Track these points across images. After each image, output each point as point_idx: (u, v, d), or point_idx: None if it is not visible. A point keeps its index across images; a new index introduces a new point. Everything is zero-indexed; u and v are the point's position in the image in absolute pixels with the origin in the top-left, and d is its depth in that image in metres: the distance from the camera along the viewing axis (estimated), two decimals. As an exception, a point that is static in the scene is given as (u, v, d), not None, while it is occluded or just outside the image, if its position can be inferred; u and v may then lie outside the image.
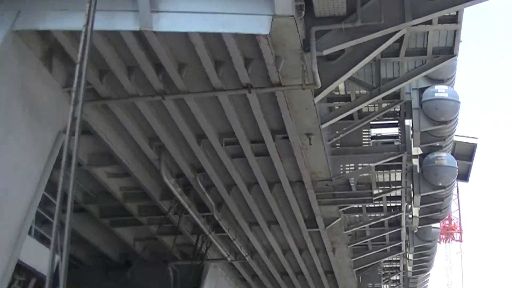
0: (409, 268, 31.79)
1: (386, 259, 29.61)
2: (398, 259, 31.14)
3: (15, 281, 15.29)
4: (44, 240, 15.95)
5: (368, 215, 24.17)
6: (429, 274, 37.80)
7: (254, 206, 20.33)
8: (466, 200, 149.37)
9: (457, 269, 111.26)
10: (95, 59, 12.73)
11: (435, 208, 24.42)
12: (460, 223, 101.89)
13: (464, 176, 24.83)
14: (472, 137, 24.28)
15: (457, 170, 21.63)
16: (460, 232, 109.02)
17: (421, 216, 24.75)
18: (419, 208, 23.66)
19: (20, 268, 14.83)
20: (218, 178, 18.40)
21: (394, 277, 33.74)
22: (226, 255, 23.84)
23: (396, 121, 20.75)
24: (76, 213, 18.03)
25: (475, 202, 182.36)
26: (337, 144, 20.24)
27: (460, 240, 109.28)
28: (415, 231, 26.97)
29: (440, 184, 21.44)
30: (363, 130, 20.26)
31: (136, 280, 24.06)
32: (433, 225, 27.48)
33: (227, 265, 26.41)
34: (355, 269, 28.12)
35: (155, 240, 22.89)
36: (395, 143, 21.22)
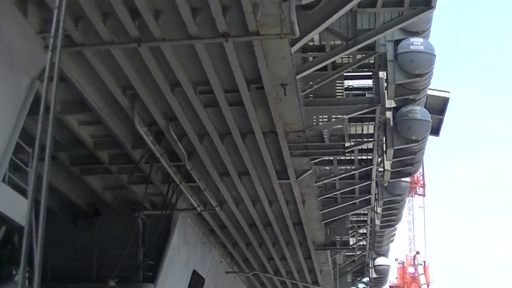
0: (377, 222, 31.97)
1: (354, 212, 29.72)
2: (366, 212, 31.28)
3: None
4: (16, 187, 15.75)
5: (339, 167, 24.16)
6: (396, 228, 38.11)
7: (226, 156, 20.23)
8: (429, 154, 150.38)
9: (419, 224, 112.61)
10: (71, 4, 12.43)
11: (407, 162, 24.48)
12: (423, 177, 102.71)
13: (435, 130, 24.88)
14: (444, 91, 24.29)
15: (430, 124, 21.64)
16: (423, 186, 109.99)
17: (393, 170, 24.80)
18: (391, 162, 23.68)
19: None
20: (191, 127, 18.26)
21: (361, 230, 33.93)
22: (196, 205, 23.78)
23: (370, 73, 20.67)
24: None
25: (439, 157, 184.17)
26: (310, 95, 20.14)
27: (423, 195, 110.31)
28: (385, 185, 27.05)
29: (413, 137, 21.47)
30: (337, 81, 20.16)
31: (105, 229, 23.94)
32: (402, 179, 27.57)
33: (196, 216, 26.37)
34: (323, 222, 28.22)
35: (125, 189, 22.76)
36: (366, 95, 21.17)
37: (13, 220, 15.36)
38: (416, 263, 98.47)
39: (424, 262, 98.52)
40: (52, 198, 23.29)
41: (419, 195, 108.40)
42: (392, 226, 35.32)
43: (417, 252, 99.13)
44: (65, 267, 22.52)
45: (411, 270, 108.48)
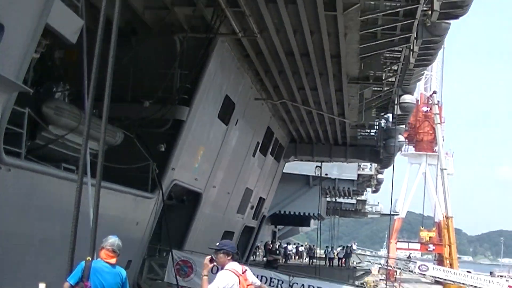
0: (412, 60, 31.42)
1: (390, 49, 29.23)
2: (400, 49, 30.76)
3: (41, 44, 14.86)
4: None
5: (385, 3, 23.54)
6: (425, 69, 37.57)
7: (276, -19, 19.64)
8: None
9: (437, 64, 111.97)
10: None
11: (457, 4, 23.73)
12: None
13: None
14: None
15: (486, -35, 20.77)
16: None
17: (441, 11, 24.06)
18: (441, 2, 22.93)
19: (47, 31, 14.34)
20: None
21: (394, 67, 33.47)
22: (238, 31, 23.33)
23: None
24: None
25: None
26: None
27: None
28: (428, 25, 26.35)
29: (466, -21, 20.63)
30: None
31: (142, 49, 23.63)
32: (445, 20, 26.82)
33: (233, 41, 25.99)
34: (360, 56, 27.80)
35: (165, 9, 22.27)
36: None
37: (64, 36, 15.07)
38: (431, 102, 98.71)
39: (439, 102, 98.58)
40: (89, 15, 22.83)
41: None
42: (426, 66, 34.81)
43: (434, 92, 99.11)
44: (99, 86, 22.34)
45: (424, 109, 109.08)
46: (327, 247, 64.95)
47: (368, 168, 71.87)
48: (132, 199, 22.15)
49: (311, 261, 61.69)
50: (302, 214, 63.71)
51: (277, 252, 52.79)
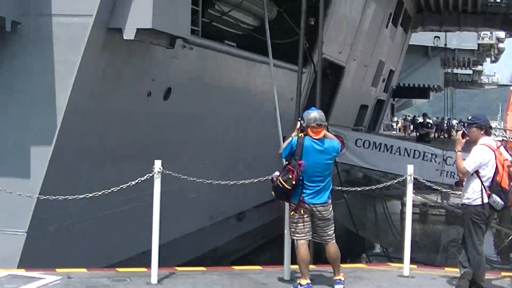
0: None
1: None
2: None
3: None
4: None
5: None
6: None
7: None
8: None
9: None
10: None
11: None
12: None
13: None
14: None
15: None
16: None
17: None
18: None
19: None
20: None
21: None
22: None
23: None
24: None
25: None
26: None
27: None
28: None
29: None
30: None
31: None
32: None
33: None
34: None
35: None
36: None
37: None
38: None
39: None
40: None
41: None
42: None
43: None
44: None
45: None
46: (449, 119, 63.76)
47: (488, 37, 69.52)
48: (288, 75, 21.86)
49: (436, 134, 59.45)
50: (421, 86, 62.41)
51: (430, 125, 50.97)
